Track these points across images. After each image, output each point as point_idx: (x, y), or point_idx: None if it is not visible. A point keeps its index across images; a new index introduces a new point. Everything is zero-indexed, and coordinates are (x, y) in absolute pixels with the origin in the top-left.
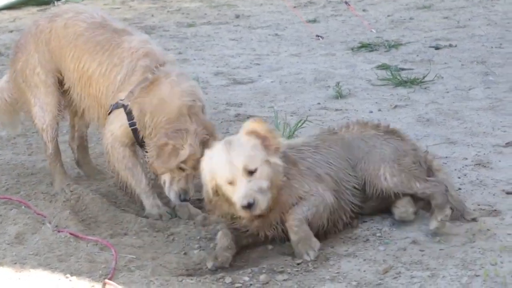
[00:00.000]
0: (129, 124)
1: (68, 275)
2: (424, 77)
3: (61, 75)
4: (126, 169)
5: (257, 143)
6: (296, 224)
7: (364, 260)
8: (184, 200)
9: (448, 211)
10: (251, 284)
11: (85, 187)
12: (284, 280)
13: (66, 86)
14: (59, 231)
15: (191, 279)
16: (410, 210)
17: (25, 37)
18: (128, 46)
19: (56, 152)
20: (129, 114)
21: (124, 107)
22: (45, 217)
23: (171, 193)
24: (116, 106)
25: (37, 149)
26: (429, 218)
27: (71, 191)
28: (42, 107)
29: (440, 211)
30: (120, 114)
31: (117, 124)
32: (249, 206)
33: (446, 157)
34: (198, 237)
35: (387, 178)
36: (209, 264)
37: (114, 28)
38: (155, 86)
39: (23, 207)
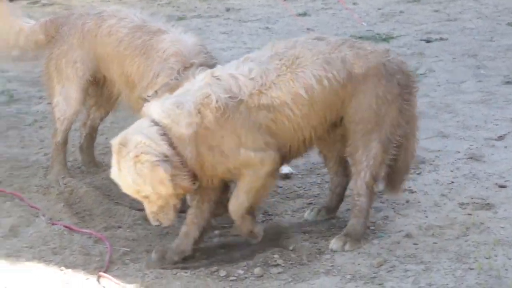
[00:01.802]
0: None
1: (63, 268)
2: (415, 70)
3: (101, 75)
4: None
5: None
6: (236, 222)
7: (358, 253)
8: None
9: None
10: (245, 277)
11: (79, 180)
12: (278, 273)
13: (112, 89)
14: (53, 224)
15: (185, 272)
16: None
17: (69, 27)
18: (159, 47)
19: (64, 142)
20: None
21: None
22: (39, 210)
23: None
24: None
25: (30, 142)
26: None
27: (65, 184)
28: (66, 100)
29: (352, 239)
30: None
31: None
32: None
33: (439, 150)
34: None
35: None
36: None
37: (150, 30)
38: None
39: (16, 200)
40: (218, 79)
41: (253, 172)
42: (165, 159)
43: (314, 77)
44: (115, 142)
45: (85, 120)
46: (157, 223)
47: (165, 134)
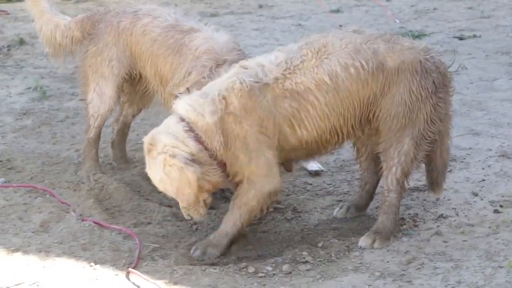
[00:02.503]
0: None
1: (92, 264)
2: (448, 68)
3: (136, 72)
4: None
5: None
6: (215, 236)
7: (387, 250)
8: None
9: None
10: (274, 274)
11: (109, 176)
12: (307, 270)
13: (147, 86)
14: (83, 220)
15: (214, 269)
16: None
17: (105, 25)
18: (191, 44)
19: (96, 138)
20: None
21: None
22: (69, 206)
23: None
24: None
25: (61, 138)
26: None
27: (95, 180)
28: (101, 97)
29: (381, 237)
30: None
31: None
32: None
33: (470, 148)
34: None
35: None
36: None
37: (183, 29)
38: None
39: (47, 195)
40: (245, 68)
41: (255, 183)
42: (193, 158)
43: (340, 64)
44: (146, 140)
45: (118, 116)
46: (189, 218)
47: (191, 129)
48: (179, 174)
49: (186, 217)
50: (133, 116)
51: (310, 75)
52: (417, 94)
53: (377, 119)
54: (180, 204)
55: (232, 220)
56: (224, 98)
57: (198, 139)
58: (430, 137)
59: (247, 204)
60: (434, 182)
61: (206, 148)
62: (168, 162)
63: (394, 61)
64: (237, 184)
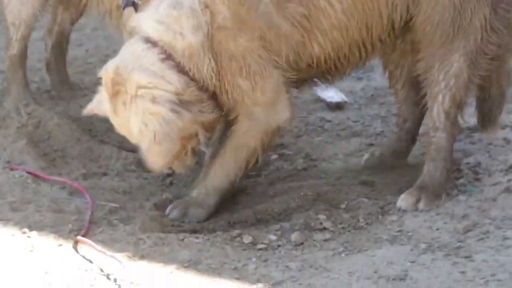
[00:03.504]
0: None
1: (26, 230)
2: None
3: None
4: None
5: None
6: (200, 192)
7: (437, 214)
8: None
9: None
10: (279, 245)
11: (48, 108)
12: (324, 240)
13: None
14: (11, 169)
15: (196, 237)
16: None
17: None
18: None
19: (22, 54)
20: None
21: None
22: None
23: None
24: (126, 3)
25: None
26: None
27: (28, 114)
28: None
29: (428, 194)
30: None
31: None
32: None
33: None
34: None
35: None
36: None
37: None
38: None
39: None
40: None
41: (259, 116)
42: (179, 98)
43: None
44: (107, 77)
45: (51, 26)
46: (169, 172)
47: (170, 56)
48: (165, 126)
49: (165, 171)
50: (72, 23)
51: None
52: None
53: (414, 28)
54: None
55: (224, 169)
56: (206, 6)
57: (181, 69)
58: (490, 51)
59: (246, 145)
60: (486, 116)
61: (193, 79)
62: (148, 110)
63: None
64: (228, 123)
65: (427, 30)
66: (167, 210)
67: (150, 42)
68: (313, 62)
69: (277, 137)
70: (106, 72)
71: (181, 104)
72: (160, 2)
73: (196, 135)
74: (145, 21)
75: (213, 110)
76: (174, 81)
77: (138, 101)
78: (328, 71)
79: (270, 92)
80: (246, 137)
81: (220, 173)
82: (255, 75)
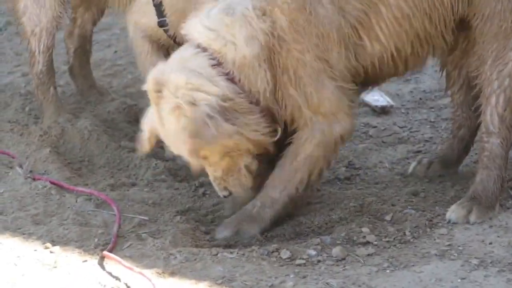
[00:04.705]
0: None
1: (49, 245)
2: None
3: None
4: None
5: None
6: (255, 205)
7: (490, 227)
8: None
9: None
10: (319, 261)
11: (74, 113)
12: (368, 255)
13: None
14: (34, 179)
15: (230, 252)
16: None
17: None
18: None
19: (49, 69)
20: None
21: None
22: (13, 158)
23: None
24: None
25: (1, 56)
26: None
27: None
28: (37, 2)
29: (480, 205)
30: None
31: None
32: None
33: None
34: None
35: None
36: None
37: None
38: None
39: None
40: None
41: (319, 126)
42: (224, 105)
43: None
44: (151, 79)
45: (71, 29)
46: (226, 194)
47: (220, 63)
48: (202, 130)
49: (221, 194)
50: (94, 24)
51: None
52: None
53: (470, 23)
54: (211, 175)
55: (284, 180)
56: (264, 13)
57: (231, 78)
58: None
59: (309, 155)
60: None
61: (243, 90)
62: (184, 112)
63: None
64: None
65: (479, 23)
66: (217, 233)
67: (200, 47)
68: (372, 65)
69: (343, 145)
70: (151, 74)
71: (227, 111)
72: (212, 7)
73: (248, 151)
74: (195, 27)
75: (266, 127)
76: (221, 86)
77: (174, 101)
78: (385, 73)
79: (328, 102)
80: (309, 146)
81: (279, 185)
82: (311, 84)
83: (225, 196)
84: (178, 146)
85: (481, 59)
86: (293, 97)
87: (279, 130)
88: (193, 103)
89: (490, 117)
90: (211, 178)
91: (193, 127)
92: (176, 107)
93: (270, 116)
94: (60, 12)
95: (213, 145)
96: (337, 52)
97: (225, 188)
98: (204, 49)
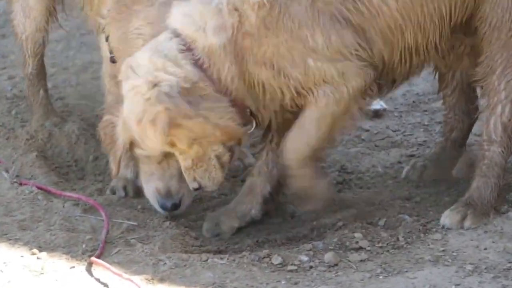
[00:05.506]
0: None
1: (35, 251)
2: None
3: None
4: None
5: None
6: (292, 175)
7: (485, 232)
8: None
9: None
10: (311, 267)
11: (61, 117)
12: (361, 260)
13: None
14: (21, 184)
15: (221, 258)
16: None
17: None
18: None
19: (39, 72)
20: None
21: None
22: (0, 162)
23: None
24: None
25: None
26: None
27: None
28: (24, 11)
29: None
30: None
31: None
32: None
33: None
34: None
35: None
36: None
37: None
38: None
39: None
40: None
41: (329, 92)
42: (187, 87)
43: None
44: (125, 63)
45: None
46: (195, 186)
47: (190, 48)
48: (162, 114)
49: (191, 186)
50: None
51: None
52: None
53: (475, 31)
54: (182, 164)
55: (303, 138)
56: (236, 9)
57: (199, 64)
58: None
59: (324, 113)
60: None
61: (210, 78)
62: (144, 93)
63: None
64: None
65: (487, 32)
66: (204, 226)
67: (175, 33)
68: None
69: (366, 96)
70: (127, 59)
71: (188, 92)
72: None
73: (218, 140)
74: (175, 14)
75: (235, 117)
76: (185, 69)
77: (137, 82)
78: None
79: (328, 71)
80: (323, 104)
81: (300, 140)
82: (289, 74)
83: (194, 189)
84: (140, 128)
85: (489, 69)
86: (282, 85)
87: (254, 123)
88: (153, 82)
89: (494, 126)
90: (182, 168)
91: (152, 107)
92: (136, 85)
93: (242, 108)
94: (44, 24)
95: (175, 128)
96: (321, 37)
97: (195, 179)
98: (178, 35)
